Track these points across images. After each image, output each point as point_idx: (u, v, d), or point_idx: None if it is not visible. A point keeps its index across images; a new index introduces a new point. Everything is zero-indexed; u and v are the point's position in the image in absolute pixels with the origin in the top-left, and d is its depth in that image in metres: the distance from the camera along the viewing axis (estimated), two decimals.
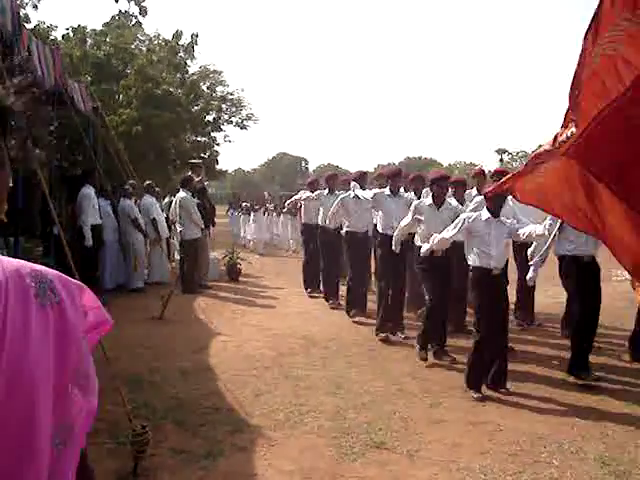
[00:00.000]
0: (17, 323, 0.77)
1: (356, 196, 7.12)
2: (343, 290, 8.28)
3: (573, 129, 1.87)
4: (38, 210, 6.78)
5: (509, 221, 4.87)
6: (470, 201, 6.48)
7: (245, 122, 21.79)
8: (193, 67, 20.46)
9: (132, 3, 19.88)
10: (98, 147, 9.88)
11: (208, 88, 20.92)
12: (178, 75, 19.53)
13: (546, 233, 4.71)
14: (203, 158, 18.79)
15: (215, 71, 21.04)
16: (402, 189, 6.85)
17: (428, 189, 6.27)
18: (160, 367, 5.30)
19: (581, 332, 4.98)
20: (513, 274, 6.07)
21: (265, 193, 19.52)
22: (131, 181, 9.77)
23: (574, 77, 1.73)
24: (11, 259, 0.85)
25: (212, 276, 10.12)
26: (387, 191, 6.57)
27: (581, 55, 1.67)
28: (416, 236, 5.89)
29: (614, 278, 8.28)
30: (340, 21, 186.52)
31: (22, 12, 13.79)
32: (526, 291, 6.68)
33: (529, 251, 5.69)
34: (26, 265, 0.86)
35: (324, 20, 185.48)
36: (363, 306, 7.42)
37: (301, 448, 3.70)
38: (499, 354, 4.70)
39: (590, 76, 1.68)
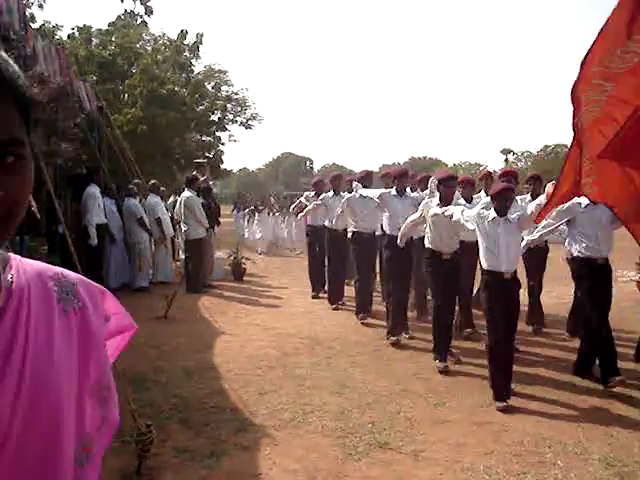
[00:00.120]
0: (40, 332, 0.74)
1: (361, 196, 7.07)
2: (346, 290, 8.30)
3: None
4: (43, 209, 6.81)
5: (514, 215, 4.64)
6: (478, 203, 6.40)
7: (250, 122, 21.79)
8: (198, 67, 20.50)
9: (137, 3, 19.81)
10: (103, 146, 9.91)
11: (213, 88, 20.93)
12: (183, 75, 19.54)
13: (533, 211, 4.27)
14: (208, 157, 18.82)
15: (220, 71, 21.05)
16: (408, 189, 6.79)
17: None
18: (164, 366, 5.31)
19: (591, 335, 4.90)
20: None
21: (271, 198, 19.41)
22: (136, 180, 9.79)
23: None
24: (32, 261, 0.82)
25: (217, 276, 10.13)
26: (393, 191, 6.51)
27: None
28: (425, 238, 5.74)
29: (620, 279, 8.23)
30: (345, 21, 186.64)
31: (28, 12, 13.81)
32: (534, 294, 6.65)
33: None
34: (48, 268, 0.82)
35: (329, 20, 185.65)
36: (369, 307, 7.39)
37: (305, 447, 3.70)
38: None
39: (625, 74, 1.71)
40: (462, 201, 5.95)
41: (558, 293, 7.98)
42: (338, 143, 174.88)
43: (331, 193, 8.28)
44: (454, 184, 5.63)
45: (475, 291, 6.86)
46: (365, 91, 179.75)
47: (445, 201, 5.43)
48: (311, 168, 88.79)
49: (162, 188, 11.41)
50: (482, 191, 7.08)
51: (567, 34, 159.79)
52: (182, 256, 10.29)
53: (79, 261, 4.21)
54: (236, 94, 21.34)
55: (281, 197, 23.54)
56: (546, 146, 45.85)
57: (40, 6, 16.26)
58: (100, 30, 19.06)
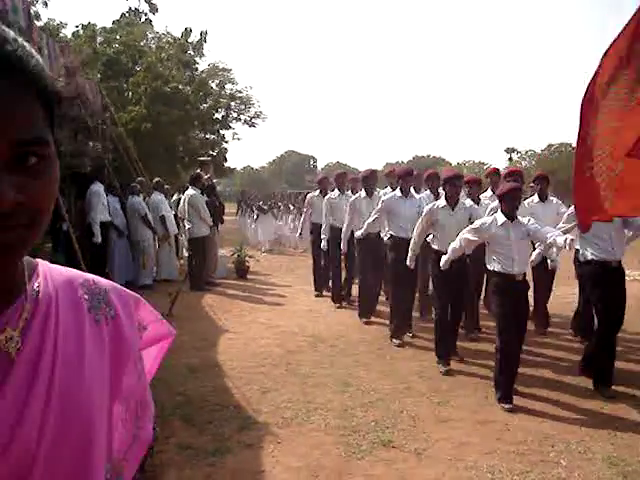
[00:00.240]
0: (70, 341, 0.69)
1: (367, 196, 7.03)
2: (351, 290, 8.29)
3: None
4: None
5: (525, 219, 4.62)
6: (485, 202, 6.35)
7: (254, 120, 21.82)
8: (202, 65, 20.56)
9: (142, 1, 19.94)
10: (107, 144, 9.93)
11: (217, 86, 20.94)
12: (187, 73, 19.57)
13: (567, 248, 4.36)
14: (212, 155, 18.83)
15: (224, 69, 21.06)
16: (412, 189, 6.71)
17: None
18: (168, 364, 5.29)
19: (601, 342, 4.79)
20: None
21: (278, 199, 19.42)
22: (140, 178, 9.81)
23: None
24: (62, 268, 0.77)
25: (220, 273, 10.12)
26: (398, 192, 6.36)
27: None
28: (432, 239, 5.65)
29: (625, 278, 8.20)
30: (349, 20, 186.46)
31: (32, 10, 13.85)
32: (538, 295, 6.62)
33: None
34: (78, 275, 0.77)
35: (333, 18, 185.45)
36: (374, 308, 7.33)
37: (308, 445, 3.71)
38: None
39: None
40: (468, 201, 5.86)
41: (562, 292, 7.95)
42: (342, 141, 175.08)
43: (336, 192, 8.23)
44: (460, 183, 5.61)
45: (483, 294, 6.87)
46: (369, 89, 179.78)
47: (450, 200, 5.42)
48: (315, 166, 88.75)
49: (166, 186, 11.41)
50: (489, 189, 7.03)
51: (571, 33, 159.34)
52: (185, 254, 10.31)
53: (83, 259, 4.22)
54: (240, 92, 21.36)
55: (285, 195, 23.53)
56: (550, 145, 45.64)
57: (45, 4, 16.31)
58: (104, 28, 19.11)
